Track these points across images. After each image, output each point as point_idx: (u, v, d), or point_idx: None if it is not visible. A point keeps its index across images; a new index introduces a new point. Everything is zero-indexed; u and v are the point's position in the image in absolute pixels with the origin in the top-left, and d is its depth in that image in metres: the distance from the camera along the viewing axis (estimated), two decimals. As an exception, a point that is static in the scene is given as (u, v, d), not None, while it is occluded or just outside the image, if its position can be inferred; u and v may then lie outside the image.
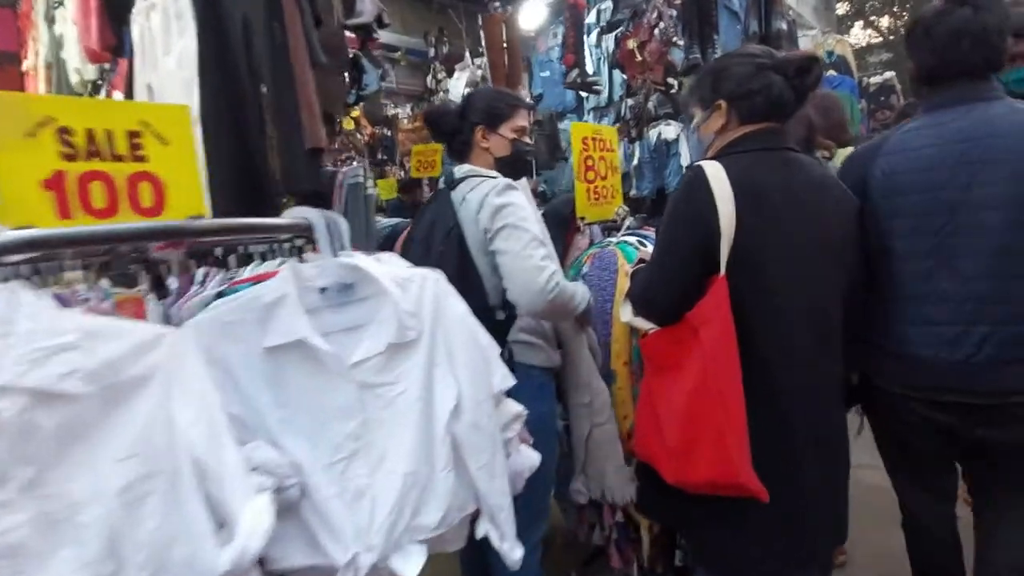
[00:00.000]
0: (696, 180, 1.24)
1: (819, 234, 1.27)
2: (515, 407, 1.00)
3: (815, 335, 1.27)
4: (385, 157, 6.05)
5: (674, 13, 3.18)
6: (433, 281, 0.92)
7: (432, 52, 5.15)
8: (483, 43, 2.87)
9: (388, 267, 0.91)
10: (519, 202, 1.51)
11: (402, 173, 5.94)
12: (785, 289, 1.23)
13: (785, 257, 1.23)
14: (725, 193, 1.19)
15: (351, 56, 2.60)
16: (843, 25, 15.35)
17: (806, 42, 7.21)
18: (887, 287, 1.46)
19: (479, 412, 0.91)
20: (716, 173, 1.21)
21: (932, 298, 1.38)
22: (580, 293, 1.57)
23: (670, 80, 3.74)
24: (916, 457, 1.57)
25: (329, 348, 0.82)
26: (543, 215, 2.00)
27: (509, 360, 1.54)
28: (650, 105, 4.36)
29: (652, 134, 5.06)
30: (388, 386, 0.87)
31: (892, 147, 1.46)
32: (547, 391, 1.73)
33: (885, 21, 16.56)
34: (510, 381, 0.96)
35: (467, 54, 4.49)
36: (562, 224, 1.84)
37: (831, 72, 6.96)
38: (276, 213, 1.48)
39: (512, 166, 1.68)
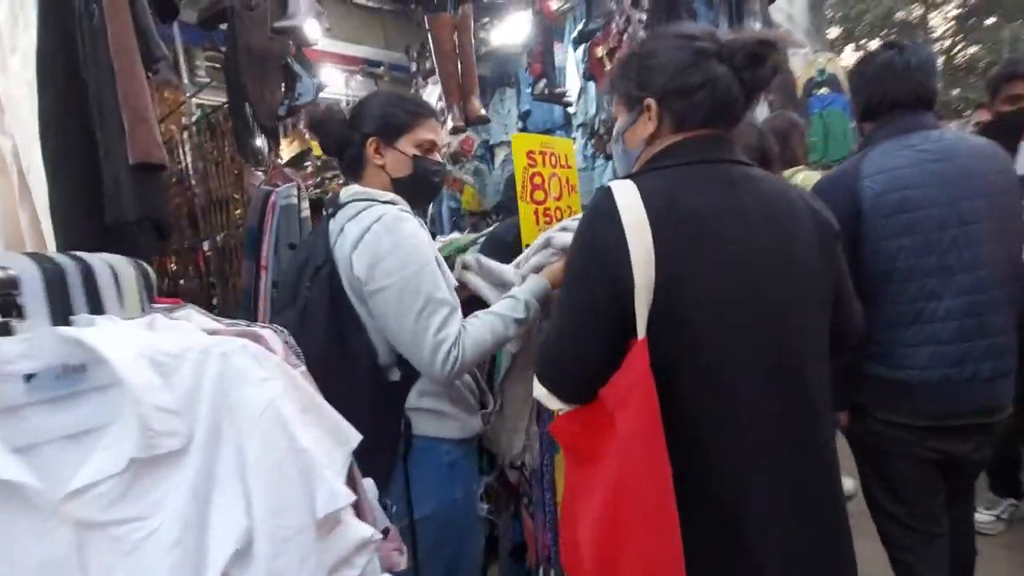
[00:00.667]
0: (601, 210, 0.91)
1: (784, 271, 0.95)
2: (360, 532, 0.68)
3: (785, 406, 0.93)
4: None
5: (643, 17, 2.87)
6: (218, 358, 0.60)
7: (415, 67, 4.88)
8: (431, 49, 2.59)
9: (151, 338, 0.59)
10: (409, 243, 1.20)
11: None
12: (735, 349, 0.91)
13: (734, 305, 0.91)
14: (640, 225, 0.88)
15: (282, 63, 2.30)
16: (834, 48, 15.20)
17: (797, 60, 6.94)
18: (888, 311, 1.41)
19: (285, 553, 0.60)
20: (629, 198, 0.90)
21: (937, 317, 1.36)
22: (502, 323, 1.26)
23: None
24: (908, 491, 1.50)
25: (22, 474, 0.51)
26: (484, 244, 1.69)
27: (406, 433, 1.22)
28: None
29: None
30: (130, 524, 0.56)
31: (874, 168, 1.44)
32: (461, 471, 1.37)
33: (875, 44, 16.37)
34: (340, 501, 0.64)
35: (414, 59, 4.21)
36: (506, 254, 1.54)
37: (824, 90, 6.71)
38: (131, 247, 1.18)
39: (413, 189, 1.37)
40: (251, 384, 0.61)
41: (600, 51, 3.05)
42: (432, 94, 3.60)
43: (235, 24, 2.16)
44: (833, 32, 16.03)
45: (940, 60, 15.76)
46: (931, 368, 1.37)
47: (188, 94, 3.63)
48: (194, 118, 3.41)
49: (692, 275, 0.89)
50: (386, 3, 4.92)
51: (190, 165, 3.00)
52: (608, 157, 4.15)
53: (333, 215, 1.30)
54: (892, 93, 1.46)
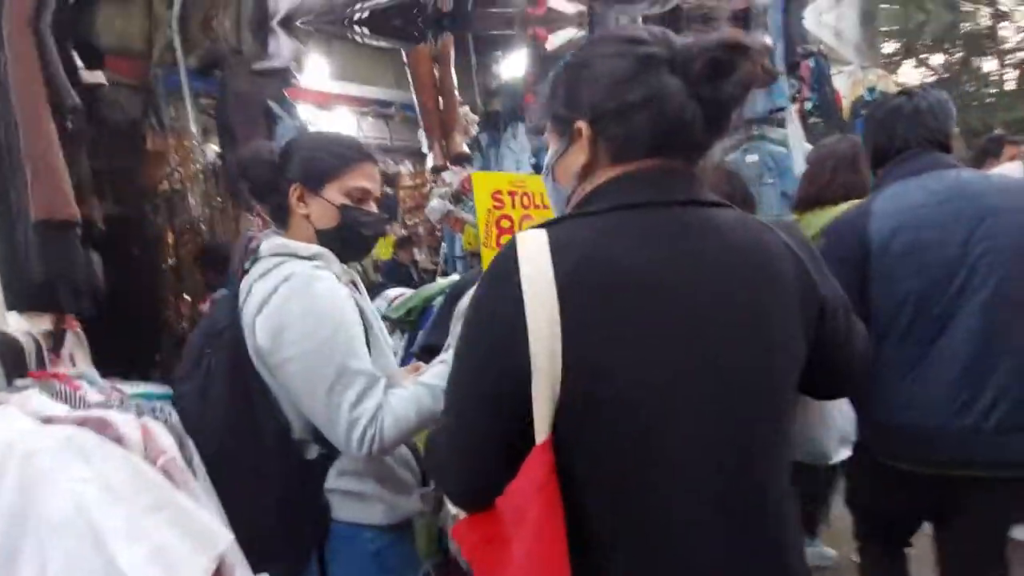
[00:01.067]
0: (498, 270, 0.72)
1: (751, 346, 0.72)
2: None
3: (734, 522, 0.70)
4: (387, 215, 5.76)
5: None
6: (20, 461, 0.53)
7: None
8: (411, 84, 2.44)
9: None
10: (320, 306, 1.04)
11: (403, 231, 5.64)
12: (673, 453, 0.69)
13: (677, 397, 0.69)
14: (544, 292, 0.66)
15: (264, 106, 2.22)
16: (890, 64, 14.29)
17: (842, 78, 6.46)
18: (891, 354, 1.35)
19: None
20: (535, 255, 0.68)
21: (941, 362, 1.32)
22: (430, 396, 1.08)
23: None
24: (892, 529, 1.52)
25: None
26: (448, 293, 1.52)
27: (324, 518, 1.05)
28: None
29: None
30: None
31: (884, 209, 1.42)
32: (390, 561, 1.20)
33: (938, 59, 15.31)
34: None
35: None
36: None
37: (874, 110, 6.22)
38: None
39: (340, 242, 1.20)
40: (57, 490, 0.47)
41: None
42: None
43: (225, 70, 2.12)
44: (889, 47, 15.07)
45: (1014, 76, 14.57)
46: (932, 415, 1.32)
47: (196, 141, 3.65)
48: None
49: (616, 357, 0.67)
50: (395, 42, 4.87)
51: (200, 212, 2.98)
52: None
53: (247, 271, 1.16)
54: (902, 136, 1.45)
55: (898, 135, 1.46)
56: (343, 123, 5.50)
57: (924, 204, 1.37)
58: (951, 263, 1.32)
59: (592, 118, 0.75)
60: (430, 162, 2.93)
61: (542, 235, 0.70)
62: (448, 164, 2.41)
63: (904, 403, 1.34)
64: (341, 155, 1.20)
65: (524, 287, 0.66)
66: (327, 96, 5.34)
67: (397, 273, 5.01)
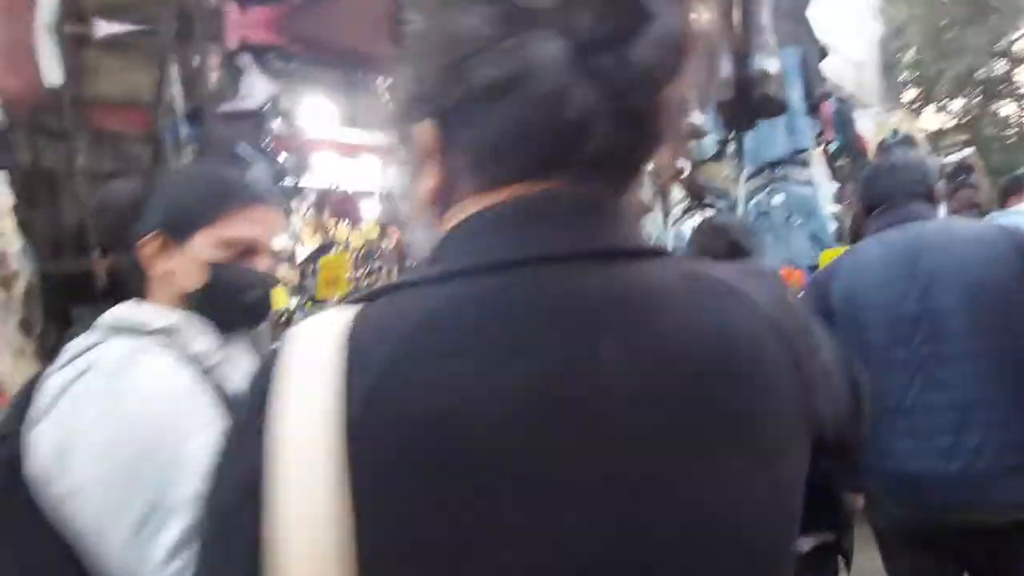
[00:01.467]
0: (252, 394, 0.38)
1: (713, 536, 0.37)
2: None
3: None
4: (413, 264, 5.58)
5: None
6: None
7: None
8: None
9: None
10: (133, 410, 0.72)
11: None
12: None
13: None
14: (316, 438, 0.32)
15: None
16: (911, 110, 14.05)
17: (866, 120, 6.22)
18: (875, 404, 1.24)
19: None
20: (311, 366, 0.35)
21: (919, 409, 1.34)
22: None
23: (678, 163, 2.97)
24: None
25: None
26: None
27: None
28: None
29: (686, 226, 4.24)
30: None
31: (844, 270, 1.50)
32: None
33: (958, 104, 15.03)
34: None
35: None
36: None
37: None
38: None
39: (213, 309, 0.89)
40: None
41: None
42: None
43: (203, 116, 1.98)
44: (909, 95, 14.87)
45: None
46: (914, 460, 1.33)
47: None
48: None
49: (454, 544, 0.34)
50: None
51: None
52: None
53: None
54: (880, 191, 1.51)
55: (877, 191, 1.53)
56: (369, 172, 5.40)
57: (879, 259, 1.43)
58: (910, 317, 1.34)
59: (434, 114, 0.44)
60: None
61: (340, 323, 0.37)
62: None
63: (887, 450, 1.35)
64: (217, 196, 0.90)
65: (280, 427, 0.34)
66: (346, 147, 5.25)
67: None
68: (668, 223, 4.33)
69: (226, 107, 1.98)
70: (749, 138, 3.85)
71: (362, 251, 6.30)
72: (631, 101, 0.39)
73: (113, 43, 3.29)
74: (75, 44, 3.21)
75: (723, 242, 1.69)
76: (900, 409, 1.34)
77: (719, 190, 4.13)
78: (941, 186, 1.61)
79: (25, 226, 3.00)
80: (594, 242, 0.40)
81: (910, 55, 14.02)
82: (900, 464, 1.34)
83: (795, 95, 3.77)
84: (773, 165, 3.77)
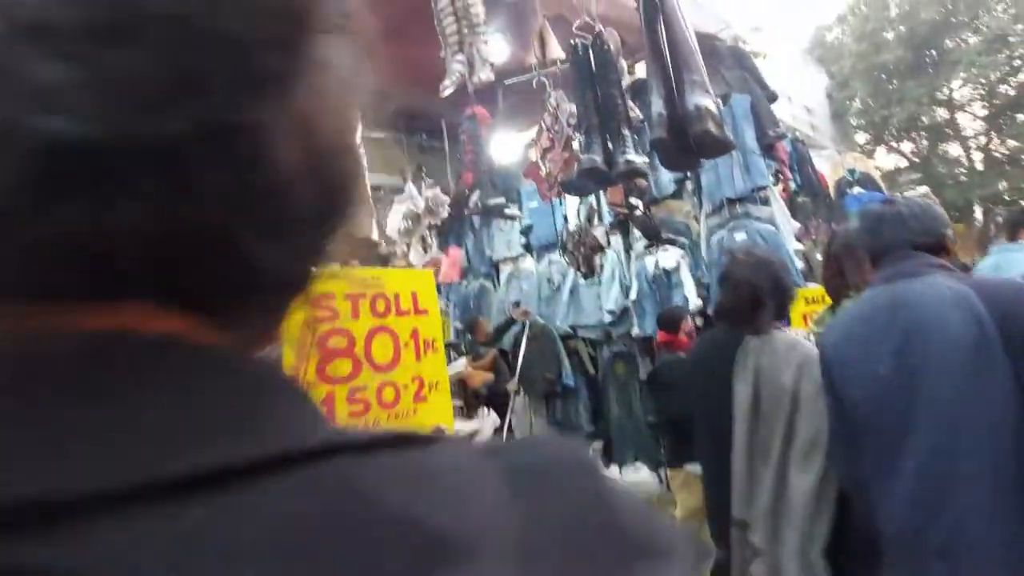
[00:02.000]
0: None
1: None
2: None
3: None
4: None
5: (573, 109, 2.20)
6: None
7: (412, 189, 4.48)
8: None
9: None
10: None
11: None
12: None
13: None
14: None
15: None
16: (864, 151, 14.52)
17: (821, 161, 6.25)
18: (865, 462, 1.30)
19: None
20: None
21: (900, 475, 1.25)
22: None
23: (632, 200, 2.75)
24: None
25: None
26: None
27: None
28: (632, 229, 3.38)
29: (649, 262, 4.03)
30: None
31: (836, 321, 1.48)
32: None
33: (908, 146, 15.58)
34: None
35: (409, 180, 3.71)
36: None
37: (857, 189, 5.90)
38: None
39: None
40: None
41: (534, 153, 2.42)
42: (396, 213, 3.08)
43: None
44: (861, 137, 15.38)
45: (979, 157, 14.76)
46: (903, 525, 1.25)
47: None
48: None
49: None
50: (384, 132, 4.66)
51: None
52: (588, 274, 3.41)
53: None
54: (885, 241, 1.44)
55: (883, 240, 1.46)
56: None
57: (862, 317, 1.38)
58: (886, 379, 1.28)
59: None
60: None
61: None
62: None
63: (880, 513, 1.30)
64: None
65: None
66: None
67: None
68: (631, 259, 4.12)
69: None
70: (707, 176, 3.72)
71: None
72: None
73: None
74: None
75: (766, 274, 1.59)
76: (889, 473, 1.28)
77: (680, 227, 3.95)
78: (951, 235, 1.48)
79: None
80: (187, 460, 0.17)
81: (856, 104, 14.57)
82: (893, 529, 1.27)
83: (748, 136, 3.70)
84: (732, 202, 3.63)
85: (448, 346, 4.11)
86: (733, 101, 3.80)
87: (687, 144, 1.62)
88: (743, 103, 3.82)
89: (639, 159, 1.95)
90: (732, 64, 4.06)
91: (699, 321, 3.84)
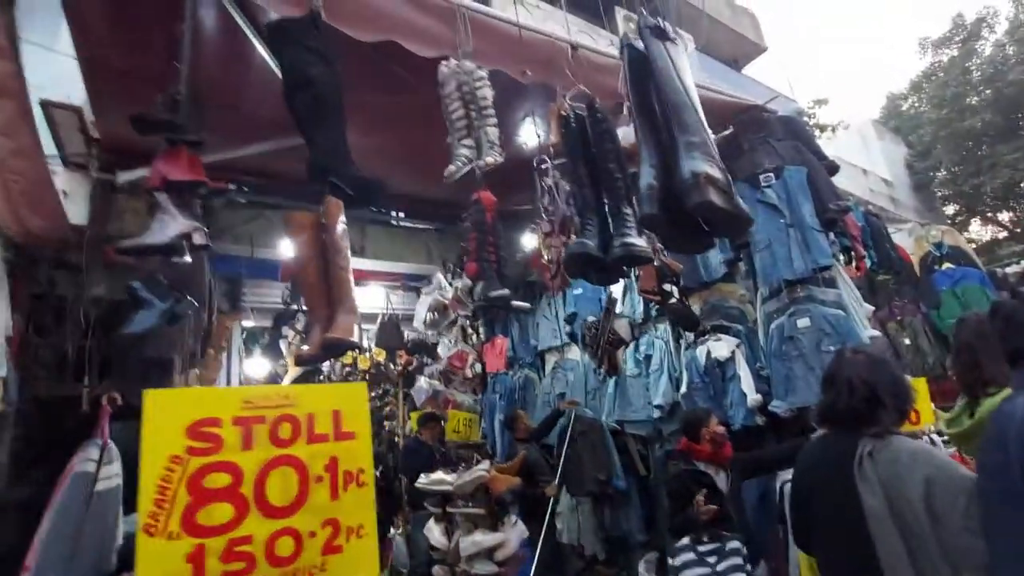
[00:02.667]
0: None
1: None
2: None
3: None
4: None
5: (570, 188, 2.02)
6: None
7: (451, 278, 4.47)
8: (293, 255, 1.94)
9: None
10: None
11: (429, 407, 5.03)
12: None
13: None
14: None
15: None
16: (955, 223, 13.32)
17: (902, 236, 5.67)
18: None
19: None
20: None
21: None
22: None
23: (666, 286, 2.50)
24: None
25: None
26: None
27: None
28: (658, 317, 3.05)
29: (700, 352, 3.64)
30: None
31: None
32: None
33: (1006, 215, 14.18)
34: None
35: (439, 272, 3.66)
36: None
37: (947, 265, 5.26)
38: None
39: None
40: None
41: (536, 240, 2.27)
42: (423, 304, 3.01)
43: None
44: (950, 209, 14.21)
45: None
46: None
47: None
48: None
49: None
50: (430, 223, 4.77)
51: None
52: (610, 373, 3.10)
53: None
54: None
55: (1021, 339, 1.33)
56: (374, 296, 5.41)
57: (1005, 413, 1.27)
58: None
59: None
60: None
61: None
62: (318, 353, 1.74)
63: None
64: None
65: None
66: (359, 274, 5.21)
67: (418, 456, 4.12)
68: (681, 348, 3.76)
69: (129, 243, 1.80)
70: (760, 256, 3.41)
71: (369, 373, 6.00)
72: None
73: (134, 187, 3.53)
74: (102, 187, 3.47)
75: (884, 373, 1.51)
76: None
77: (733, 312, 3.58)
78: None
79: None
80: None
81: (942, 173, 13.64)
82: None
83: (806, 211, 3.39)
84: (792, 284, 3.25)
85: (473, 446, 3.81)
86: (786, 173, 3.50)
87: (687, 220, 1.37)
88: (798, 175, 3.50)
89: (640, 241, 1.72)
90: (784, 134, 3.81)
91: (760, 420, 3.39)
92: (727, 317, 3.56)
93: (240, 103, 2.79)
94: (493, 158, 1.97)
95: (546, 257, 2.16)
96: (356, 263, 5.31)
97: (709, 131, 1.43)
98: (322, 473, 0.82)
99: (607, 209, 1.80)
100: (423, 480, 2.56)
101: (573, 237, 1.83)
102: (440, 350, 3.32)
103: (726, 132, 3.76)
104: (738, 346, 3.46)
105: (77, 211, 3.37)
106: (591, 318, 3.66)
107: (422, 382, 3.03)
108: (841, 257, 3.69)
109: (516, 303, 2.19)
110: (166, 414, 0.71)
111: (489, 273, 2.02)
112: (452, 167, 1.98)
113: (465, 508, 2.43)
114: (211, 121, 2.14)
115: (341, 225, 1.77)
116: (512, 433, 4.11)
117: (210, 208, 4.16)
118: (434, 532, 2.48)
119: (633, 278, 3.30)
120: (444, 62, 2.20)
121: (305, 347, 2.03)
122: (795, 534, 1.77)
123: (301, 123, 1.77)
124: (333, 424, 0.85)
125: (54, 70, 2.80)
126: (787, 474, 2.29)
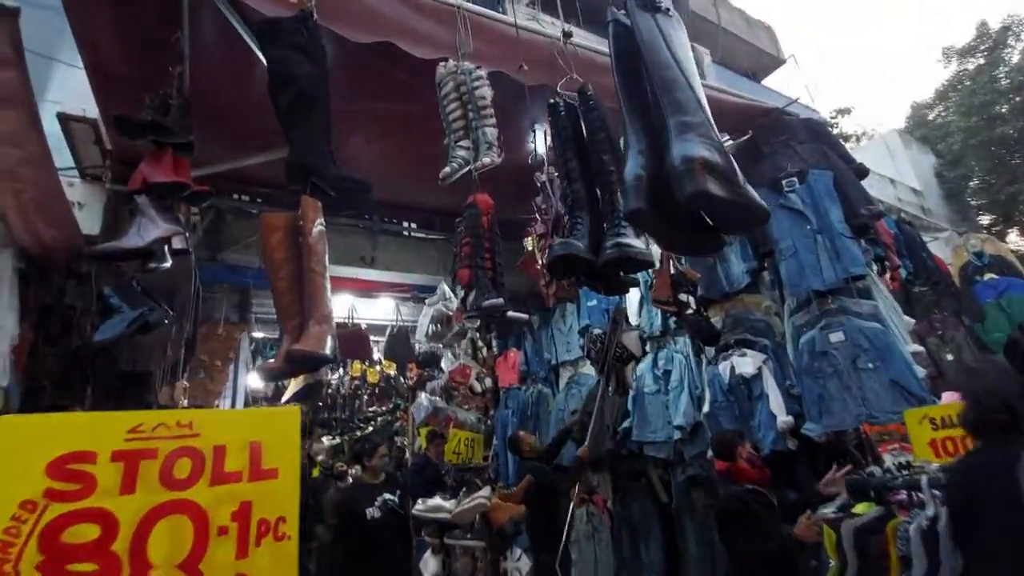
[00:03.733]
0: None
1: None
2: None
3: None
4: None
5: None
6: None
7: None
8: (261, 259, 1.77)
9: None
10: None
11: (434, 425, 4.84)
12: None
13: None
14: None
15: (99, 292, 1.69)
16: (992, 232, 12.73)
17: (938, 245, 5.33)
18: None
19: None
20: None
21: None
22: None
23: (681, 297, 2.29)
24: None
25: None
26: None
27: None
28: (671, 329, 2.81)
29: (724, 368, 3.39)
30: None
31: None
32: None
33: (1048, 225, 13.51)
34: None
35: (442, 283, 3.50)
36: None
37: (990, 275, 4.91)
38: None
39: None
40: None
41: (530, 242, 2.09)
42: (426, 316, 2.85)
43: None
44: (985, 218, 13.61)
45: None
46: None
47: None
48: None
49: None
50: (441, 233, 4.65)
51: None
52: (618, 391, 2.87)
53: None
54: None
55: None
56: (383, 307, 5.33)
57: None
58: None
59: None
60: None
61: None
62: (283, 367, 1.58)
63: None
64: None
65: None
66: (369, 284, 5.12)
67: (423, 474, 3.93)
68: (703, 362, 3.52)
69: (98, 248, 1.70)
70: (786, 265, 3.17)
71: (379, 386, 5.84)
72: None
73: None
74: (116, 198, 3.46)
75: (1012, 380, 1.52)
76: None
77: (758, 326, 3.32)
78: None
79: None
80: None
81: (975, 182, 13.11)
82: None
83: (834, 216, 3.15)
84: (822, 296, 3.01)
85: (473, 469, 3.56)
86: (811, 177, 3.26)
87: (687, 216, 1.11)
88: (823, 179, 3.25)
89: (637, 242, 1.51)
90: (807, 137, 3.57)
91: (791, 444, 3.11)
92: (752, 330, 3.31)
93: (250, 113, 2.73)
94: (491, 159, 1.82)
95: (540, 262, 1.98)
96: (366, 274, 5.23)
97: (707, 110, 1.21)
98: (228, 523, 0.63)
99: (600, 206, 1.62)
100: (419, 507, 2.37)
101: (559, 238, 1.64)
102: (443, 364, 3.16)
103: (745, 137, 3.58)
104: (765, 362, 3.20)
105: (93, 222, 3.35)
106: (597, 330, 3.44)
107: (422, 398, 2.86)
108: (874, 266, 3.44)
109: (513, 314, 2.01)
110: (23, 446, 0.55)
111: (483, 280, 1.85)
112: (447, 169, 1.84)
113: (464, 540, 2.22)
114: (221, 131, 2.06)
115: (319, 227, 1.64)
116: (517, 454, 3.90)
117: (221, 219, 4.11)
118: (430, 566, 2.27)
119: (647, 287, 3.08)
120: (442, 63, 2.09)
121: (270, 361, 1.87)
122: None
123: (282, 121, 1.66)
124: (249, 460, 0.66)
125: (81, 87, 2.78)
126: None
